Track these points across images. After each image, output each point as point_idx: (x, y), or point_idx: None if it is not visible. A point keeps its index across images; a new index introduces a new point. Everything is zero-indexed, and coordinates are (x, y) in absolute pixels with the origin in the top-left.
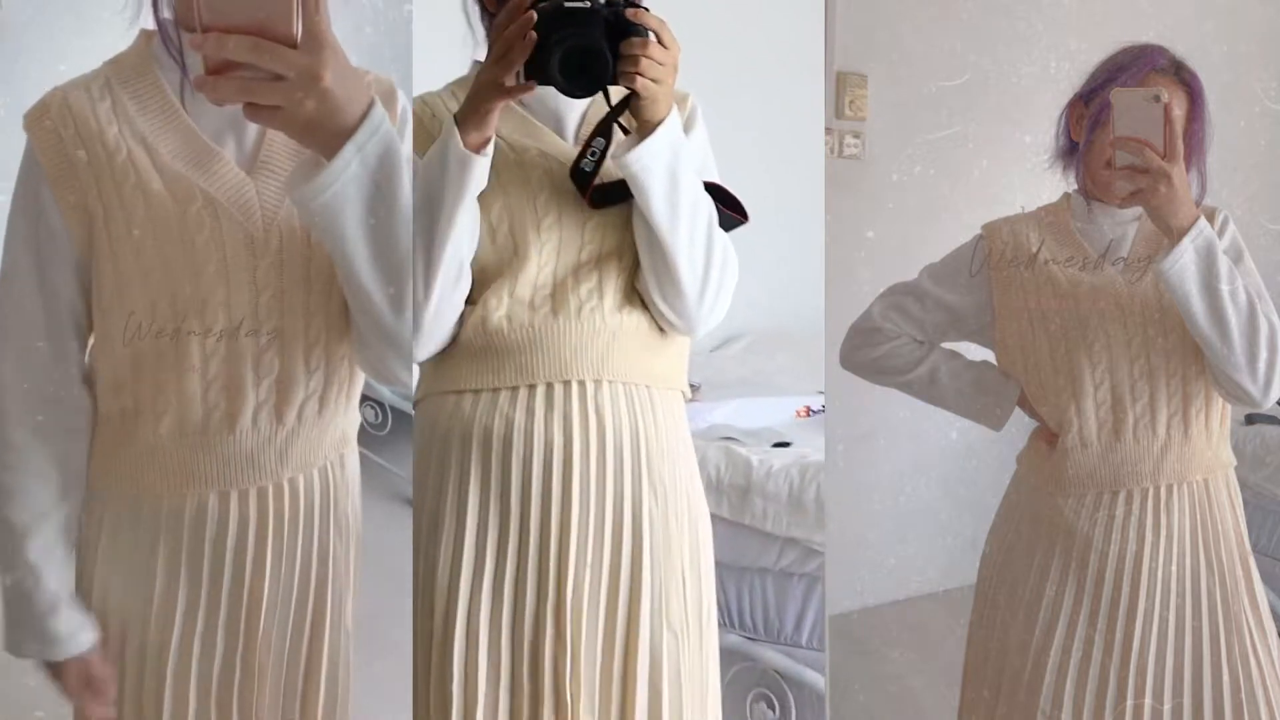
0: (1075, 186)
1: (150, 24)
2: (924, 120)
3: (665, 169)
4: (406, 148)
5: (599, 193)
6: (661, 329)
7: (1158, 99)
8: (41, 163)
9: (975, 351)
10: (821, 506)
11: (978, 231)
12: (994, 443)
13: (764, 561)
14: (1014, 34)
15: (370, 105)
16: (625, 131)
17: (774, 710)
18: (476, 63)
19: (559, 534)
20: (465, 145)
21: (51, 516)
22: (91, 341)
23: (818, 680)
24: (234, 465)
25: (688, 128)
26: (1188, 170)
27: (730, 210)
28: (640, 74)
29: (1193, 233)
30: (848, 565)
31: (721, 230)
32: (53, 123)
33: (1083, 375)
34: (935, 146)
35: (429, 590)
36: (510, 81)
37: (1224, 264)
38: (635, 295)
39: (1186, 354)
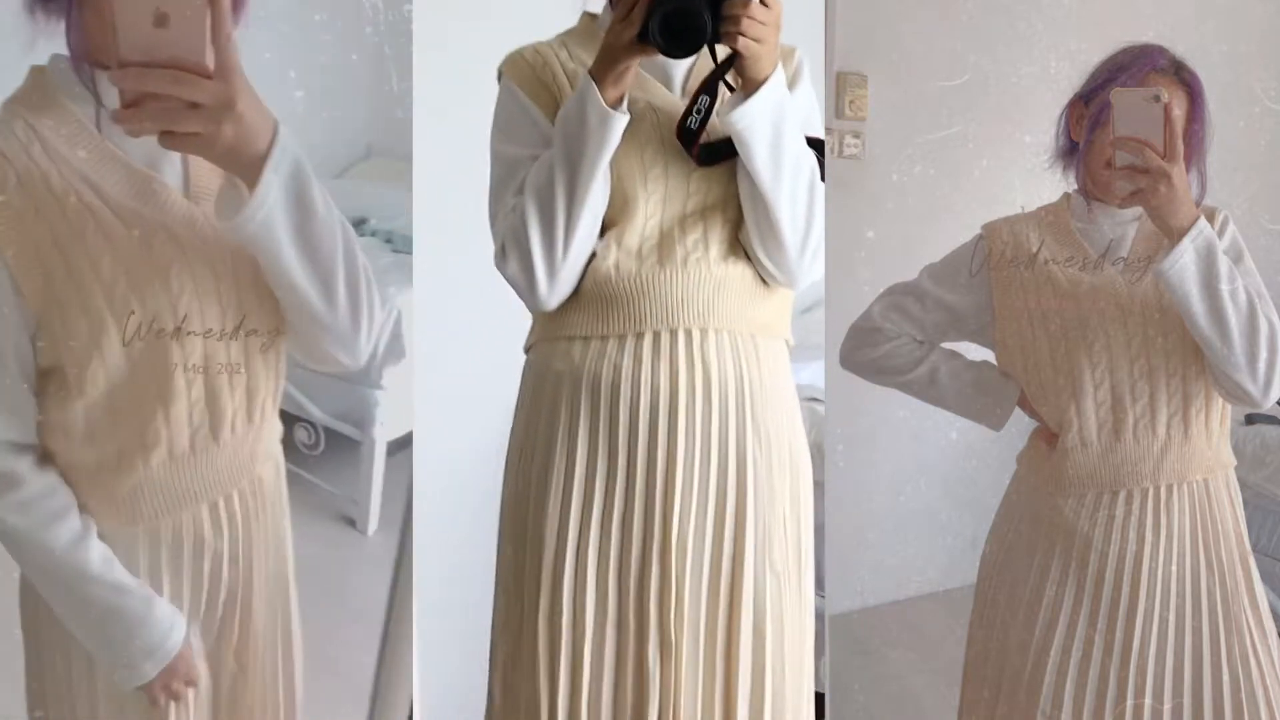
0: (1075, 186)
1: (38, 58)
2: (924, 120)
3: (769, 126)
4: None
5: (705, 151)
6: (764, 280)
7: (1158, 99)
8: None
9: (975, 351)
10: None
11: (978, 231)
12: (994, 443)
13: None
14: (1014, 34)
15: (276, 126)
16: (730, 89)
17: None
18: (586, 14)
19: (665, 477)
20: (605, 102)
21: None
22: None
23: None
24: (222, 476)
25: (793, 84)
26: (1188, 170)
27: None
28: (742, 33)
29: (1193, 233)
30: (848, 565)
31: (823, 185)
32: None
33: (1083, 375)
34: (935, 146)
35: (538, 530)
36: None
37: (1224, 264)
38: (739, 246)
39: (1186, 354)
